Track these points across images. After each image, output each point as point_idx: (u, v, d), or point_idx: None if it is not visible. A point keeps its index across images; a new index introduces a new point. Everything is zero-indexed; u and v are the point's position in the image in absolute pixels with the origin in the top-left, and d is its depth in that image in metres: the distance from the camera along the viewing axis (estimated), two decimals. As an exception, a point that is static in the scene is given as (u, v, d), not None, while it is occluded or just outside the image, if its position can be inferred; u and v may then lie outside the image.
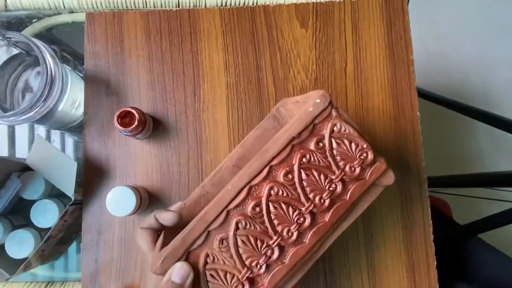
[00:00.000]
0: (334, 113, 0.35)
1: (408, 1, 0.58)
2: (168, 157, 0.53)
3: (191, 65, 0.55)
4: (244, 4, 0.57)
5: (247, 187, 0.33)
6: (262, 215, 0.34)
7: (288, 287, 0.36)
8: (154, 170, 0.53)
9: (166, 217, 0.37)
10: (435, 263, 0.52)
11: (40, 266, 0.54)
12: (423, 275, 0.52)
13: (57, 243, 0.54)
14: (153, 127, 0.53)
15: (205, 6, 0.57)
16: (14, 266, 0.48)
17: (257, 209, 0.34)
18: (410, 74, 0.56)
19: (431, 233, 0.53)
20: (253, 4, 0.57)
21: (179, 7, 0.57)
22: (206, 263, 0.33)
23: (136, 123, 0.47)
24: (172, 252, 0.32)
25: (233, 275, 0.34)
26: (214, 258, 0.33)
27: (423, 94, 0.99)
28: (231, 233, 0.33)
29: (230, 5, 0.57)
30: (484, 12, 1.32)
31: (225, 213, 0.33)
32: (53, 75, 0.46)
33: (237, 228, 0.33)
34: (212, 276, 0.33)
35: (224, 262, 0.33)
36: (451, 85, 1.28)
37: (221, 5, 0.57)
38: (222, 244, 0.33)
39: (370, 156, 0.35)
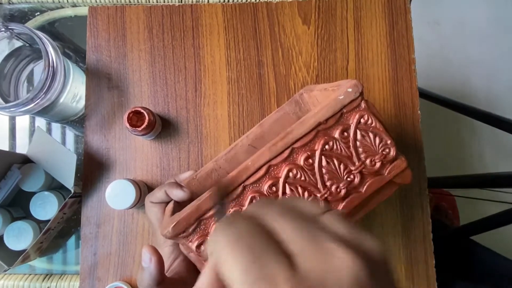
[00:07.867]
0: (363, 104, 0.35)
1: (411, 0, 0.57)
2: (168, 151, 0.53)
3: (193, 60, 0.55)
4: (246, 0, 0.57)
5: (266, 165, 0.33)
6: (277, 196, 0.34)
7: None
8: (154, 165, 0.53)
9: (177, 194, 0.38)
10: (434, 261, 0.52)
11: (38, 259, 0.54)
12: (422, 274, 0.52)
13: (55, 237, 0.54)
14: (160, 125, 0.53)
15: (208, 1, 0.57)
16: (13, 257, 0.48)
17: (273, 188, 0.34)
18: (412, 73, 0.56)
19: (430, 231, 0.53)
20: (255, 0, 0.57)
21: (181, 2, 0.57)
22: None
23: (146, 123, 0.47)
24: (185, 217, 0.32)
25: None
26: None
27: (424, 94, 0.99)
28: (244, 208, 0.33)
29: (233, 0, 0.57)
30: (486, 14, 1.32)
31: (241, 188, 0.33)
32: (54, 67, 0.46)
33: (251, 203, 0.33)
34: None
35: None
36: (452, 87, 1.28)
37: (224, 1, 0.57)
38: None
39: (392, 152, 0.35)
